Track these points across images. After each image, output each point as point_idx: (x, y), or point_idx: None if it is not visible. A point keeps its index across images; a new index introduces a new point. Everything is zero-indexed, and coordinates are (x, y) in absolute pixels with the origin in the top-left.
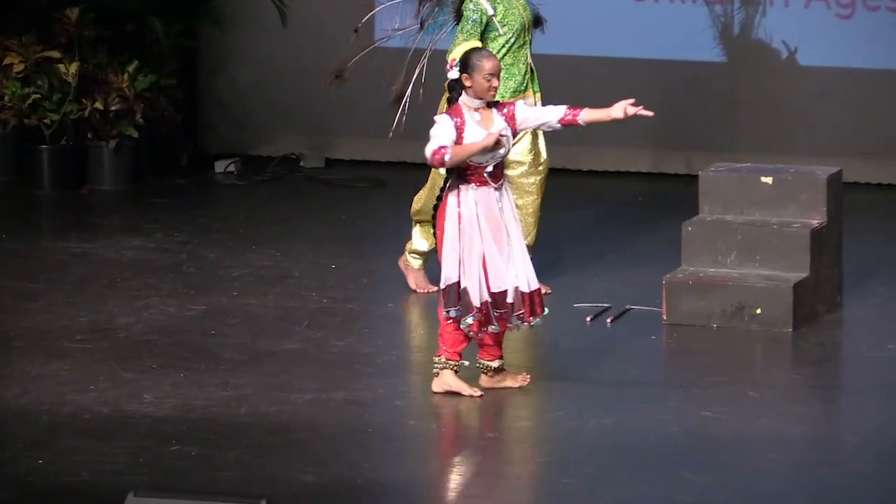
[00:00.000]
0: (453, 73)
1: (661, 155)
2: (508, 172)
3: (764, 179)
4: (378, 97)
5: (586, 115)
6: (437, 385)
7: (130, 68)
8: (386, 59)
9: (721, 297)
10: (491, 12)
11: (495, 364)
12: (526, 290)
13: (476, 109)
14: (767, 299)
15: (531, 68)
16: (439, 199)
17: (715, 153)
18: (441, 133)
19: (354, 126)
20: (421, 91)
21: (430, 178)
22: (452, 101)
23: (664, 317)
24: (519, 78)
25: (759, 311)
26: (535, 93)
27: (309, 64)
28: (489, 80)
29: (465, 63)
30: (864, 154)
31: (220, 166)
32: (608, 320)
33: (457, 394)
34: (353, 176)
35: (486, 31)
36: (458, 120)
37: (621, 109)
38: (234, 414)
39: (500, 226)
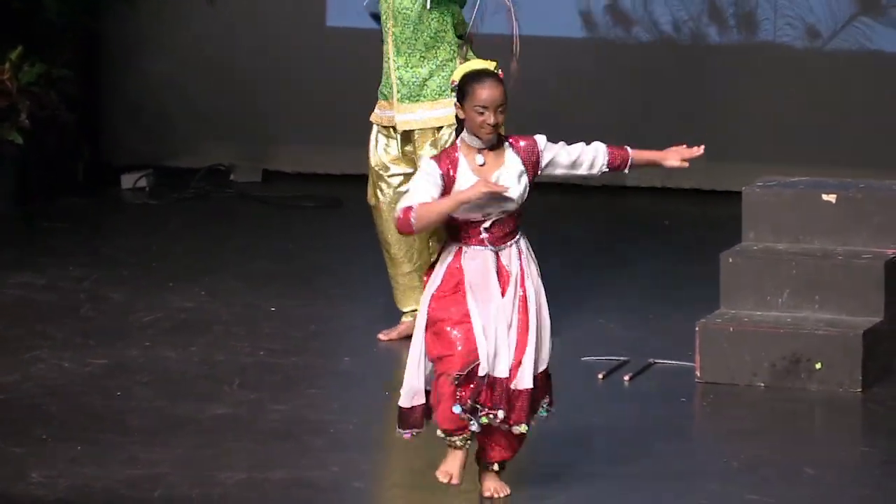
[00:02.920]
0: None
1: (693, 166)
2: None
3: (826, 197)
4: (328, 93)
5: (638, 155)
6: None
7: (13, 55)
8: (338, 47)
9: (771, 347)
10: None
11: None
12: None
13: (479, 151)
14: (830, 351)
15: (399, 79)
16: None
17: (763, 164)
18: (419, 185)
19: (299, 131)
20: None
21: None
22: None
23: (698, 373)
24: (385, 78)
25: (819, 365)
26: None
27: (242, 52)
28: (482, 114)
29: (461, 88)
30: None
31: (127, 181)
32: (626, 378)
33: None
34: (298, 193)
35: None
36: (449, 166)
37: (677, 156)
38: (146, 498)
39: (489, 295)
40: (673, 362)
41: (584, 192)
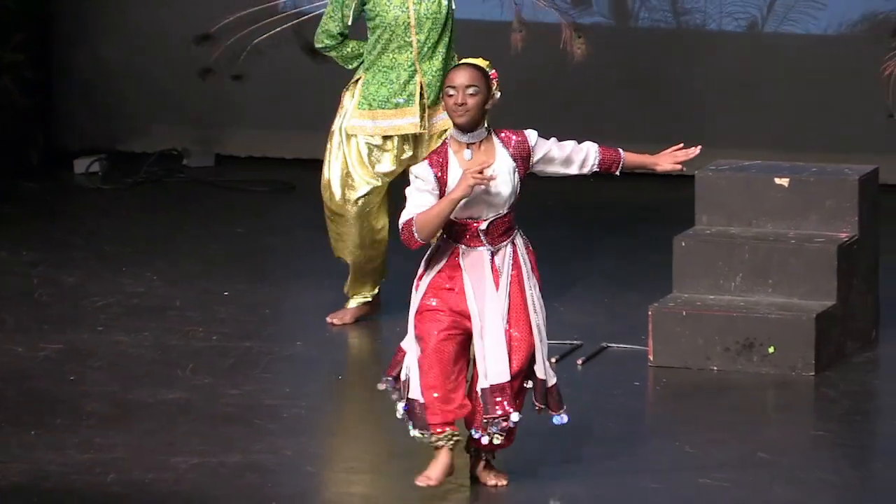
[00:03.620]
0: None
1: (644, 150)
2: None
3: (778, 181)
4: (282, 79)
5: (630, 158)
6: None
7: None
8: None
9: (723, 331)
10: None
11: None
12: (484, 385)
13: (468, 145)
14: (783, 335)
15: (423, 84)
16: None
17: (715, 147)
18: (413, 196)
19: (252, 115)
20: None
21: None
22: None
23: (651, 357)
24: (394, 87)
25: (772, 349)
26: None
27: (195, 35)
28: (451, 96)
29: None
30: None
31: (80, 166)
32: (579, 361)
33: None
34: (250, 177)
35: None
36: (440, 167)
37: (670, 160)
38: (100, 483)
39: (484, 292)
40: (626, 346)
41: (537, 177)
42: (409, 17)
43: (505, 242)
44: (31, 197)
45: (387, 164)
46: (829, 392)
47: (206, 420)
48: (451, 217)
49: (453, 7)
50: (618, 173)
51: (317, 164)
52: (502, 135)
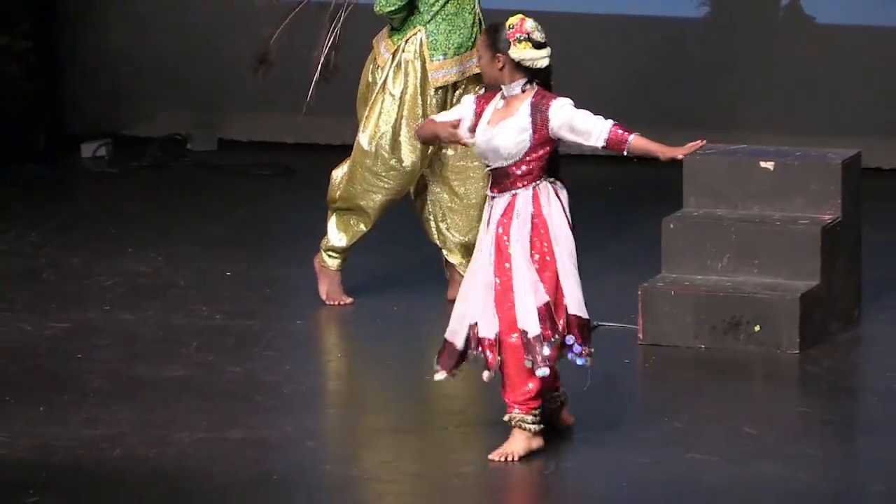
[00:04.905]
0: None
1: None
2: (447, 152)
3: (764, 165)
4: (283, 64)
5: (637, 142)
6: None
7: None
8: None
9: (711, 310)
10: None
11: None
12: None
13: (503, 97)
14: (768, 314)
15: (481, 20)
16: None
17: (703, 131)
18: (452, 111)
19: (253, 100)
20: (332, 56)
21: (351, 156)
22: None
23: (640, 335)
24: (465, 31)
25: (757, 328)
26: None
27: (198, 22)
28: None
29: (504, 41)
30: (889, 133)
31: (87, 150)
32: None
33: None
34: (252, 161)
35: None
36: (483, 106)
37: (677, 152)
38: (106, 458)
39: (484, 244)
40: (616, 325)
41: None
42: None
43: (504, 194)
44: (38, 180)
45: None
46: (813, 369)
47: (209, 396)
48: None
49: None
50: (625, 153)
51: (316, 149)
52: (536, 96)
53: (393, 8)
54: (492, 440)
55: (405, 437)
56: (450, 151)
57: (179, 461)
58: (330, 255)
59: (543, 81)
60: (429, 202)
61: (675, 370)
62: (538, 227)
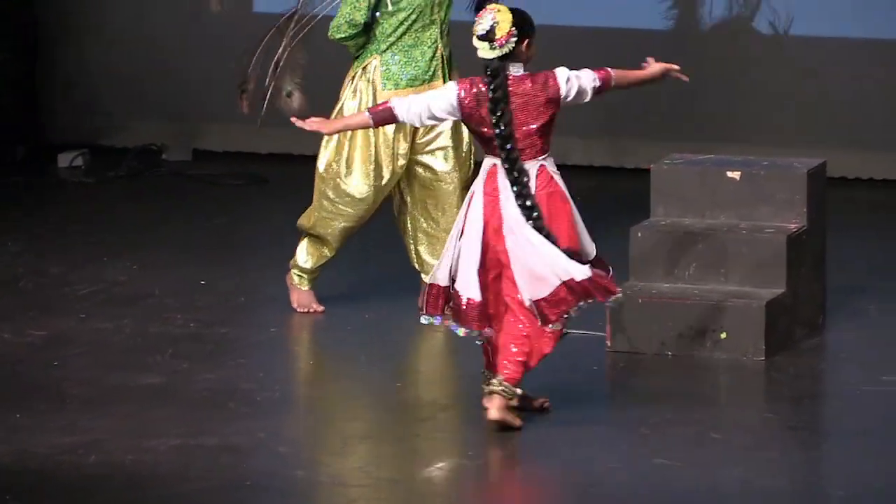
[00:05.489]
0: (509, 46)
1: (601, 145)
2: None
3: (730, 174)
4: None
5: (619, 76)
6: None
7: None
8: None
9: (678, 318)
10: None
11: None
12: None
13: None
14: (734, 321)
15: (443, 56)
16: None
17: (669, 142)
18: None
19: (227, 111)
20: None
21: (315, 190)
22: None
23: (608, 342)
24: (422, 65)
25: (724, 335)
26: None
27: (173, 36)
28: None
29: (529, 28)
30: (853, 144)
31: (64, 160)
32: None
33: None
34: (226, 171)
35: (378, 5)
36: (472, 94)
37: (661, 69)
38: (83, 464)
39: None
40: (584, 332)
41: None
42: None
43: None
44: (16, 190)
45: (403, 143)
46: (778, 376)
47: (184, 404)
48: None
49: None
50: (613, 85)
51: (289, 159)
52: (533, 73)
53: (343, 35)
54: (463, 446)
55: (377, 442)
56: (426, 172)
57: (155, 467)
58: (297, 275)
59: None
60: (408, 225)
61: (643, 377)
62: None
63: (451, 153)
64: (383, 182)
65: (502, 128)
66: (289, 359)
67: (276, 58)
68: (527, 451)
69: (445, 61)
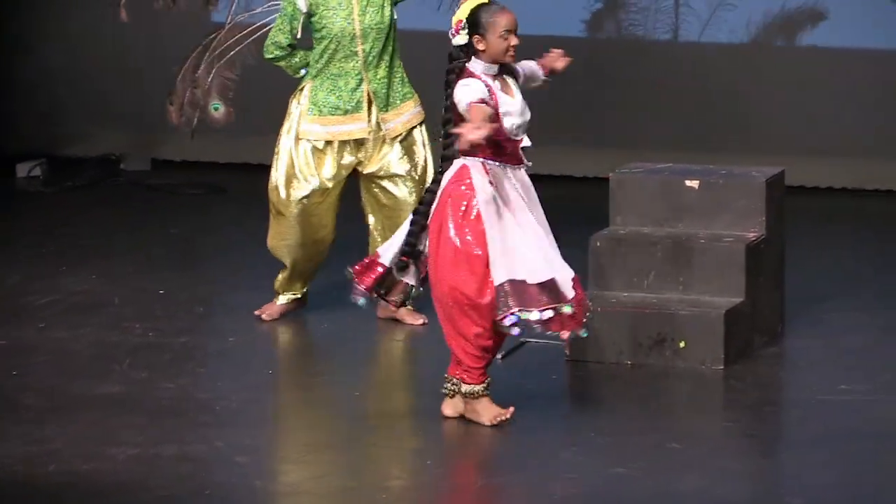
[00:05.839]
0: (460, 38)
1: (560, 152)
2: (385, 185)
3: (689, 183)
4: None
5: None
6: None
7: None
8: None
9: (637, 327)
10: (304, 10)
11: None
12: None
13: (494, 77)
14: (693, 330)
15: (369, 91)
16: None
17: (628, 150)
18: (473, 91)
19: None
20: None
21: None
22: (456, 76)
23: (567, 352)
24: (345, 95)
25: (683, 344)
26: (374, 120)
27: (131, 45)
28: (506, 39)
29: (476, 22)
30: (811, 153)
31: (22, 170)
32: (499, 356)
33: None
34: (184, 181)
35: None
36: (489, 88)
37: (559, 62)
38: (41, 472)
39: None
40: (543, 341)
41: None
42: (354, 29)
43: (521, 165)
44: None
45: (329, 167)
46: (737, 385)
47: (143, 413)
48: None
49: (395, 17)
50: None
51: (247, 168)
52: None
53: (271, 56)
54: (422, 455)
55: (336, 452)
56: (386, 198)
57: (114, 476)
58: (275, 289)
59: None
60: (370, 247)
61: (602, 386)
62: None
63: (407, 181)
64: (309, 198)
65: (443, 111)
66: (248, 368)
67: (197, 73)
68: (486, 459)
69: (373, 96)
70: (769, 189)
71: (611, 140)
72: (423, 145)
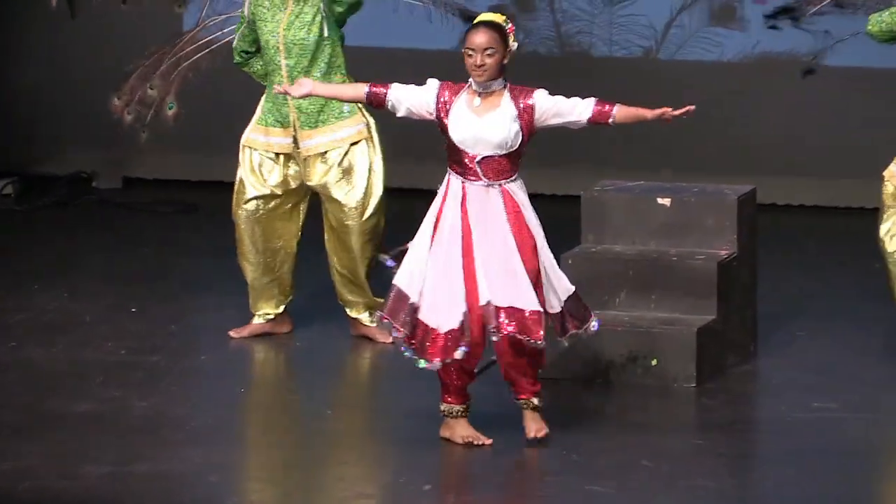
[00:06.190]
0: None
1: (532, 172)
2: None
3: (661, 201)
4: (188, 101)
5: (620, 112)
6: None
7: None
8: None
9: (609, 345)
10: (247, 15)
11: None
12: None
13: (479, 94)
14: (665, 348)
15: (298, 106)
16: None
17: (600, 168)
18: (411, 87)
19: (157, 139)
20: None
21: None
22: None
23: (540, 369)
24: (283, 110)
25: (655, 362)
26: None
27: (103, 63)
28: (470, 56)
29: (465, 36)
30: (782, 170)
31: None
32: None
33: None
34: (156, 198)
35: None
36: (448, 96)
37: (672, 112)
38: (15, 490)
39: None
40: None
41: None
42: (278, 42)
43: (497, 181)
44: None
45: (275, 176)
46: (709, 402)
47: (116, 430)
48: (456, 147)
49: (326, 34)
50: (610, 122)
51: (218, 186)
52: (515, 89)
53: (236, 61)
54: (394, 473)
55: (308, 470)
56: (330, 208)
57: (88, 494)
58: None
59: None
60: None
61: (574, 404)
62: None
63: (345, 207)
64: (256, 204)
65: None
66: (220, 386)
67: (157, 72)
68: (458, 478)
69: (298, 110)
70: (741, 207)
71: (582, 158)
72: (369, 169)
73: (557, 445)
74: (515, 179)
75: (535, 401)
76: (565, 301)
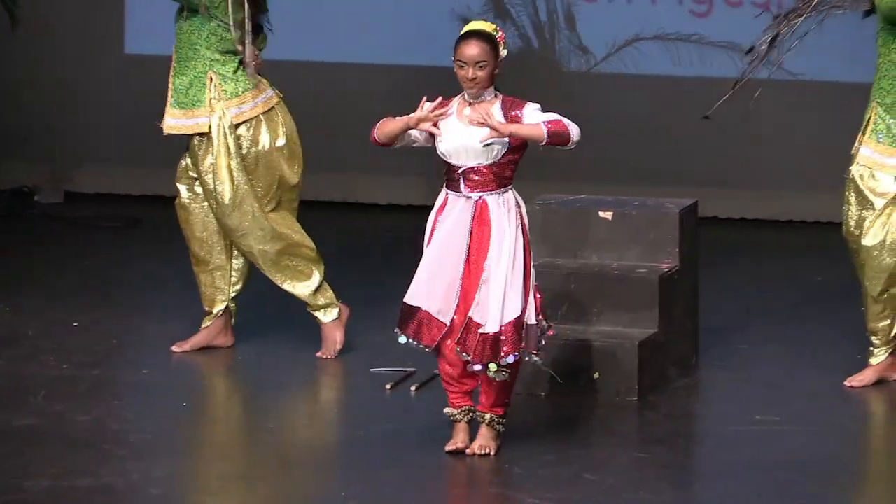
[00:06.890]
0: None
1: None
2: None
3: (602, 214)
4: (128, 117)
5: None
6: None
7: None
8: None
9: (551, 358)
10: None
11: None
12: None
13: (470, 103)
14: (607, 361)
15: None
16: None
17: (540, 181)
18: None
19: (99, 153)
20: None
21: None
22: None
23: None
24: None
25: (596, 375)
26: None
27: (44, 77)
28: (461, 69)
29: (455, 46)
30: (725, 182)
31: None
32: (412, 388)
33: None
34: (98, 213)
35: None
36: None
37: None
38: None
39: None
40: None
41: (374, 210)
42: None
43: (483, 192)
44: None
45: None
46: (651, 415)
47: (58, 445)
48: (443, 159)
49: (185, 17)
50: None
51: (160, 200)
52: (508, 102)
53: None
54: (337, 487)
55: (250, 484)
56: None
57: None
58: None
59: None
60: None
61: (516, 417)
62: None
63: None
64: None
65: None
66: (162, 400)
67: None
68: (399, 492)
69: (172, 90)
70: (682, 220)
71: (523, 171)
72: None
73: (500, 458)
74: (502, 193)
75: (488, 416)
76: (505, 324)
